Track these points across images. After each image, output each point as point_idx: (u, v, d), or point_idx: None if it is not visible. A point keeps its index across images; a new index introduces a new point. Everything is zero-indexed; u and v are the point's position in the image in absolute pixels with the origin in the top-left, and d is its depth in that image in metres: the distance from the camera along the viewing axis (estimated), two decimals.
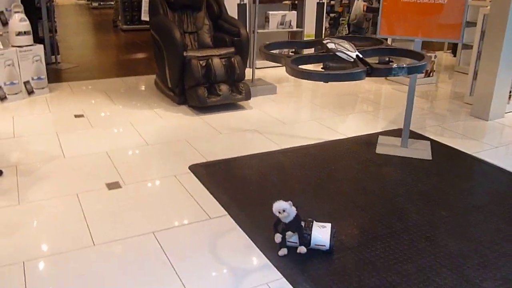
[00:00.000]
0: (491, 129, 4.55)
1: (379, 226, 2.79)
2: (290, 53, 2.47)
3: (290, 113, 4.92)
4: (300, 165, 3.58)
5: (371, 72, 2.18)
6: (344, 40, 2.40)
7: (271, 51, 2.71)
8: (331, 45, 2.34)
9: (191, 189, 3.18)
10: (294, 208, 2.42)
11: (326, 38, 2.54)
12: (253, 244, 2.59)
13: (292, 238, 2.49)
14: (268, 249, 2.53)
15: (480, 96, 4.81)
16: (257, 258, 2.48)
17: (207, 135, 4.19)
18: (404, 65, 2.17)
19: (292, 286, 2.26)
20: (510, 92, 4.86)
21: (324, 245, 2.49)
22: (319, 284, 2.27)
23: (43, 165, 3.49)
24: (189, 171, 3.44)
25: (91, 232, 2.66)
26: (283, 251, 2.46)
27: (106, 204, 2.97)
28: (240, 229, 2.72)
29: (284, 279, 2.31)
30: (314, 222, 2.54)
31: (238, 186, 3.24)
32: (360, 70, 2.09)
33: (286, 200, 2.43)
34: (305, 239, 2.47)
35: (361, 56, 2.26)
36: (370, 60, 2.42)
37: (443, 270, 2.40)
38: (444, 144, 4.07)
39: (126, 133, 4.20)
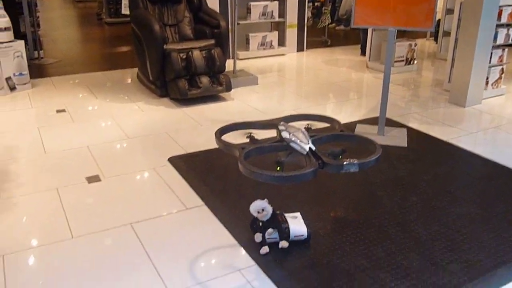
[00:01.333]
0: (467, 115, 4.63)
1: (351, 212, 2.87)
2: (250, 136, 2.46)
3: (271, 103, 4.97)
4: None
5: (323, 167, 2.23)
6: (298, 129, 2.42)
7: (231, 132, 2.63)
8: (285, 134, 2.37)
9: (169, 180, 3.23)
10: (270, 205, 2.47)
11: (281, 122, 2.54)
12: (228, 233, 2.65)
13: (272, 234, 2.52)
14: (243, 238, 2.60)
15: (457, 83, 4.89)
16: (231, 247, 2.55)
17: (188, 127, 4.24)
18: (356, 162, 2.20)
19: (264, 272, 2.34)
20: (487, 78, 4.94)
21: (303, 235, 2.55)
22: (290, 269, 2.35)
23: (24, 160, 3.53)
24: (168, 163, 3.50)
25: (70, 225, 2.71)
26: (264, 249, 2.47)
27: (86, 198, 3.02)
28: (216, 219, 2.79)
29: (257, 266, 2.38)
30: (284, 214, 2.59)
31: (216, 177, 3.30)
32: (309, 170, 2.13)
33: (262, 198, 2.47)
34: (285, 233, 2.51)
35: (313, 148, 2.30)
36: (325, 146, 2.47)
37: (411, 254, 2.48)
38: (421, 131, 4.15)
39: (107, 127, 4.24)
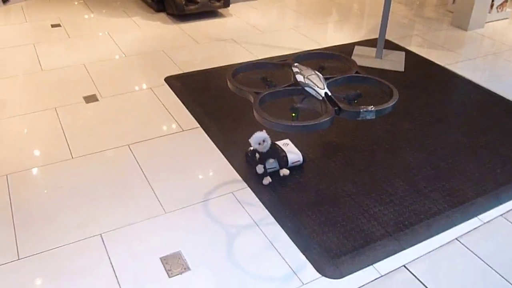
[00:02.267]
0: (469, 39, 4.56)
1: (342, 138, 2.95)
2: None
3: (270, 21, 4.87)
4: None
5: (339, 114, 2.12)
6: (312, 72, 2.30)
7: (240, 79, 2.45)
8: (299, 78, 2.25)
9: (166, 101, 3.28)
10: (268, 137, 2.48)
11: (295, 63, 2.41)
12: (222, 156, 2.75)
13: (272, 164, 2.58)
14: (236, 160, 2.70)
15: (462, 4, 4.76)
16: (224, 169, 2.65)
17: (185, 45, 4.20)
18: (373, 108, 2.10)
19: (255, 194, 2.46)
20: (492, 1, 4.80)
21: (299, 160, 2.64)
22: (280, 192, 2.47)
23: (21, 78, 3.54)
24: (164, 83, 3.52)
25: (69, 145, 2.80)
26: (267, 180, 2.53)
27: (84, 118, 3.08)
28: (211, 141, 2.87)
29: (249, 189, 2.50)
30: (276, 142, 2.64)
31: (211, 98, 3.34)
32: (326, 119, 2.03)
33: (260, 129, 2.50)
34: (284, 161, 2.58)
35: (329, 94, 2.20)
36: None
37: (396, 180, 2.59)
38: (419, 55, 4.12)
39: (103, 43, 4.20)
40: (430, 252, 2.19)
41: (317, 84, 2.20)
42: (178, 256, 2.11)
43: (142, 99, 3.34)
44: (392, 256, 2.15)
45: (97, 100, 3.28)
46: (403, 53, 4.10)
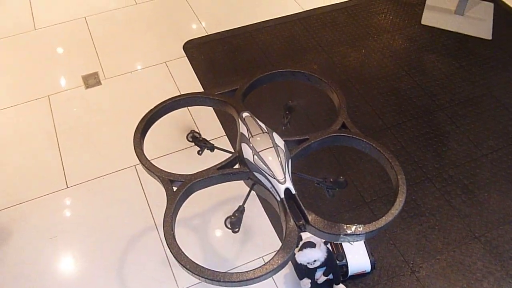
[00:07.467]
0: None
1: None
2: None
3: None
4: (318, 41, 2.85)
5: (304, 230, 1.26)
6: (270, 143, 1.35)
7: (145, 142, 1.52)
8: (247, 153, 1.34)
9: (184, 87, 2.61)
10: (324, 247, 1.67)
11: (244, 113, 1.47)
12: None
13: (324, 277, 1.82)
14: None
15: None
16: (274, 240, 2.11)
17: None
18: (362, 230, 1.20)
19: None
20: None
21: (365, 270, 1.89)
22: None
23: (8, 42, 2.89)
24: (183, 53, 2.80)
25: (65, 174, 2.25)
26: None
27: (80, 116, 2.49)
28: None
29: None
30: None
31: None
32: (282, 260, 1.17)
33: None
34: (342, 272, 1.84)
35: (293, 192, 1.28)
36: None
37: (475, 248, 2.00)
38: None
39: None
40: None
41: (274, 171, 1.30)
42: None
43: (153, 83, 2.66)
44: None
45: (99, 83, 2.64)
46: (492, 5, 3.13)
